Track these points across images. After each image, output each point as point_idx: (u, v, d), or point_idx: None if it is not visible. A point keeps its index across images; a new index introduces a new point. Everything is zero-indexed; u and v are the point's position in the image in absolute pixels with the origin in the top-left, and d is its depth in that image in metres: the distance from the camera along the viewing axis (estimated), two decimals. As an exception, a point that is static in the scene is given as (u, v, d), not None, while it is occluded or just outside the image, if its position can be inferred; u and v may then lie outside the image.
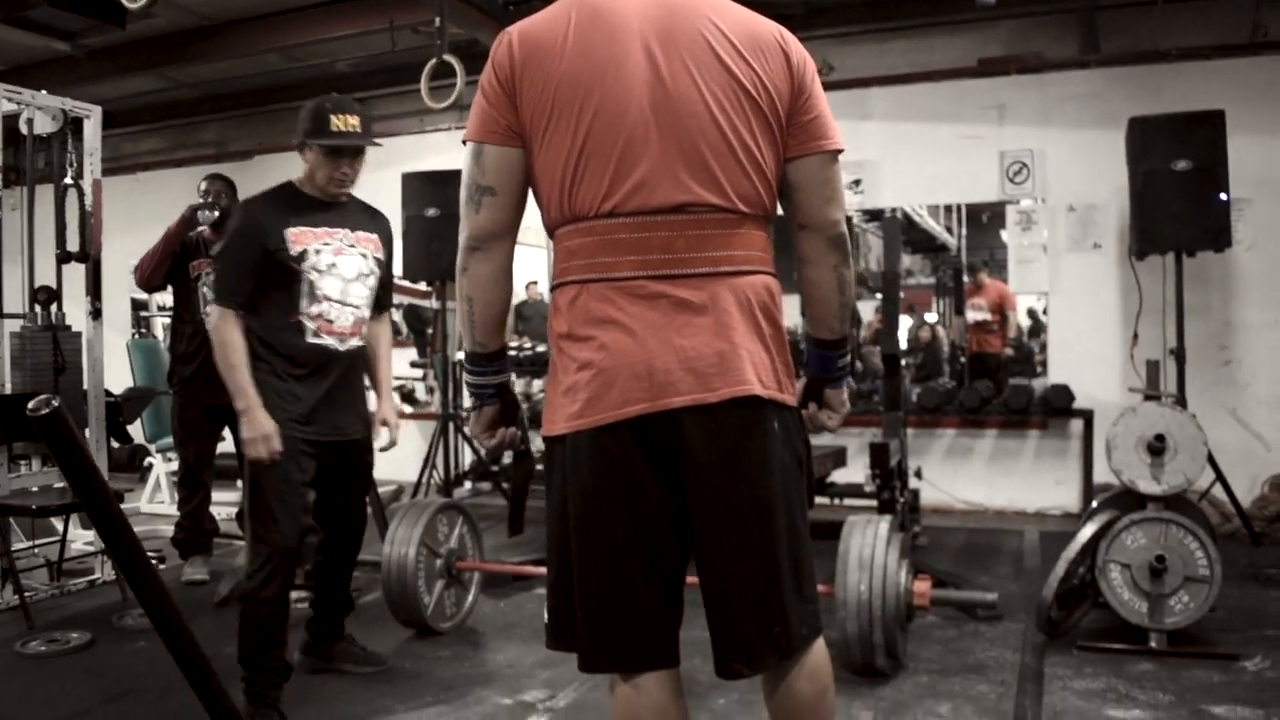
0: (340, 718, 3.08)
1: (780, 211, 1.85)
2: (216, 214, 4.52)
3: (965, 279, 8.06)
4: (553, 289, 1.80)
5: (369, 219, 3.26)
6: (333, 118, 3.01)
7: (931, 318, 12.02)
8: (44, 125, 4.66)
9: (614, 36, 1.69)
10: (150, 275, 4.68)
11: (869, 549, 3.25)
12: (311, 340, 3.03)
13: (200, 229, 4.59)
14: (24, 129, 4.64)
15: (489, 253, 1.77)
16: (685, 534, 1.75)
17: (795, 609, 1.75)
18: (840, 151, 1.82)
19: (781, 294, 1.81)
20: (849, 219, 7.28)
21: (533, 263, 7.72)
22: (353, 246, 3.13)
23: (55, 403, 1.48)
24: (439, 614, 3.87)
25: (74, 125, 4.79)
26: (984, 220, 8.65)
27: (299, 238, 3.01)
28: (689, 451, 1.68)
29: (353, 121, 3.04)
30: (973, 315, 7.60)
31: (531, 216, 1.81)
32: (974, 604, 3.86)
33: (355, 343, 3.13)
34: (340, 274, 3.07)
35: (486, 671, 3.49)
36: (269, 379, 2.99)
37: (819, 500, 5.61)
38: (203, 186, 4.76)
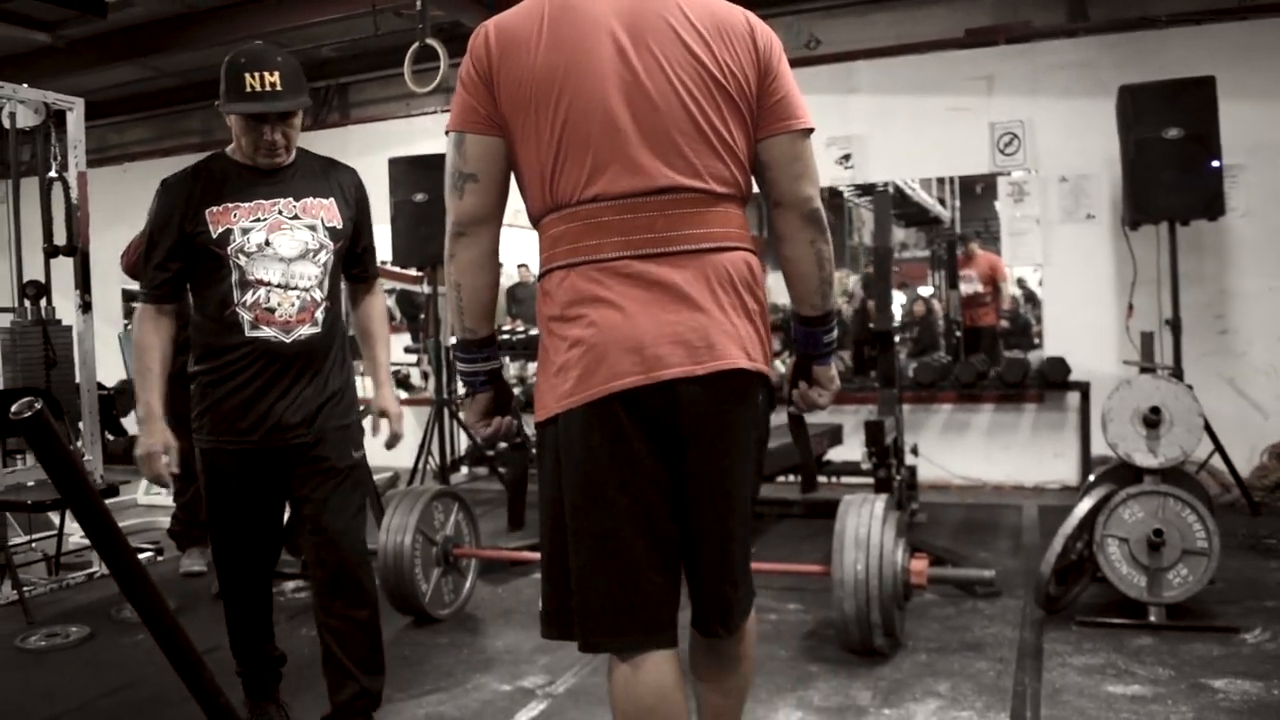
0: (339, 709, 3.08)
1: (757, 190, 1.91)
2: None
3: (958, 250, 8.04)
4: (540, 277, 1.83)
5: (321, 180, 2.70)
6: (247, 76, 2.50)
7: (926, 291, 11.99)
8: (26, 119, 4.61)
9: (584, 29, 1.74)
10: (136, 261, 4.59)
11: (865, 528, 3.24)
12: (250, 334, 2.56)
13: None
14: (6, 123, 4.60)
15: (474, 238, 1.80)
16: (680, 507, 1.80)
17: (748, 574, 1.92)
18: (810, 130, 1.86)
19: (762, 269, 1.86)
20: (840, 193, 7.37)
21: (527, 245, 7.69)
22: (296, 219, 2.61)
23: (38, 405, 1.46)
24: (437, 601, 3.87)
25: (57, 118, 4.74)
26: (978, 191, 8.61)
27: (220, 217, 2.55)
28: (682, 422, 1.73)
29: (272, 79, 2.50)
30: (964, 288, 7.59)
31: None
32: (972, 581, 3.86)
33: (307, 331, 2.60)
34: (278, 254, 2.56)
35: (485, 658, 3.49)
36: (209, 389, 2.62)
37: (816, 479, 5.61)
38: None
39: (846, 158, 6.62)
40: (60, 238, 4.72)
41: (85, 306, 4.80)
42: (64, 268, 4.79)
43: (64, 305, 4.81)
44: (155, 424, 2.59)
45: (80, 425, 4.82)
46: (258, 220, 2.57)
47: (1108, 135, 5.52)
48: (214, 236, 2.54)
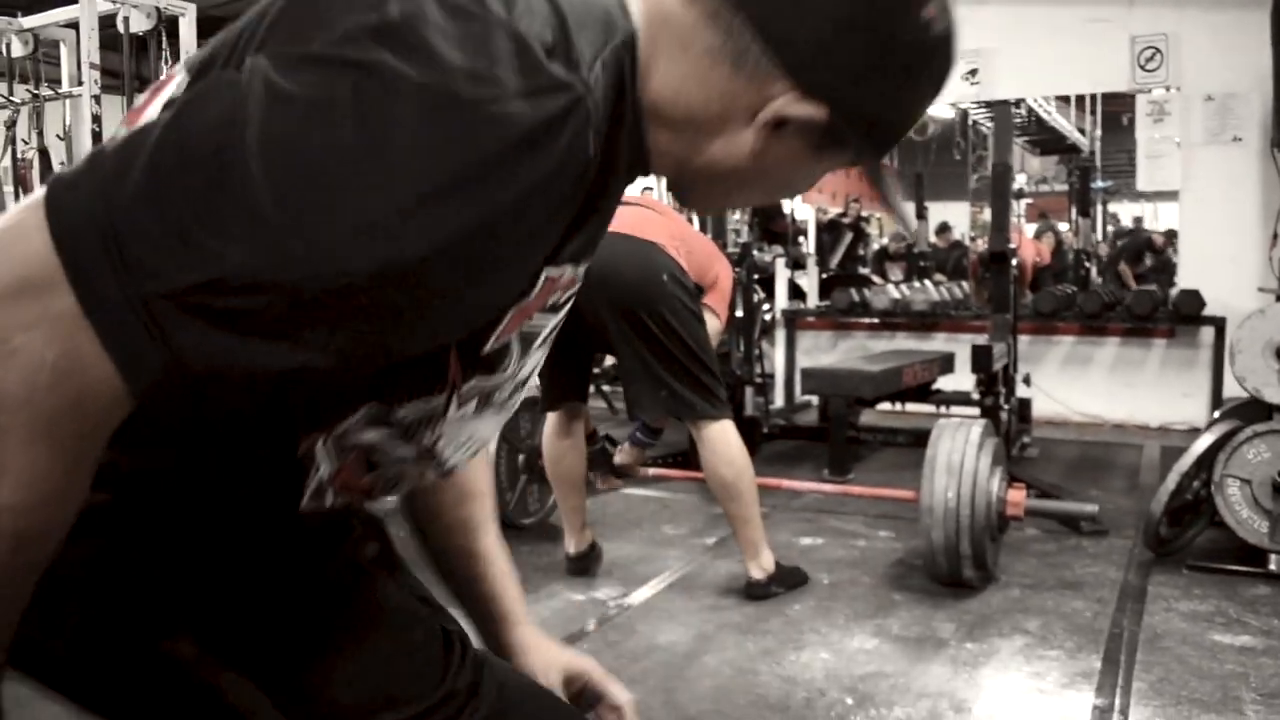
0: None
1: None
2: None
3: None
4: None
5: None
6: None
7: (1064, 227, 11.47)
8: (139, 24, 4.68)
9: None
10: None
11: (959, 454, 3.07)
12: None
13: None
14: (120, 27, 4.67)
15: None
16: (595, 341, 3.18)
17: (688, 389, 3.01)
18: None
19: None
20: (965, 113, 7.02)
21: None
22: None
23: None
24: (521, 509, 3.86)
25: (169, 24, 4.80)
26: (1124, 122, 8.11)
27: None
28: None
29: None
30: None
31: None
32: (1073, 516, 3.65)
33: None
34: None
35: (563, 567, 3.46)
36: None
37: (923, 409, 5.45)
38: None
39: (973, 72, 6.26)
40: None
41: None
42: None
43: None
44: None
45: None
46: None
47: (1261, 50, 5.05)
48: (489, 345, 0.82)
